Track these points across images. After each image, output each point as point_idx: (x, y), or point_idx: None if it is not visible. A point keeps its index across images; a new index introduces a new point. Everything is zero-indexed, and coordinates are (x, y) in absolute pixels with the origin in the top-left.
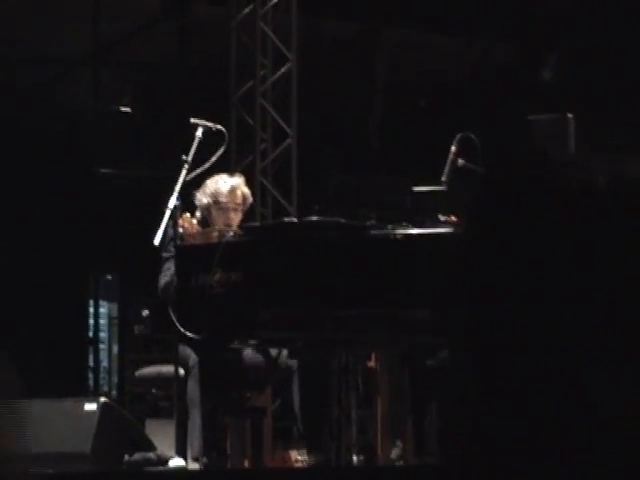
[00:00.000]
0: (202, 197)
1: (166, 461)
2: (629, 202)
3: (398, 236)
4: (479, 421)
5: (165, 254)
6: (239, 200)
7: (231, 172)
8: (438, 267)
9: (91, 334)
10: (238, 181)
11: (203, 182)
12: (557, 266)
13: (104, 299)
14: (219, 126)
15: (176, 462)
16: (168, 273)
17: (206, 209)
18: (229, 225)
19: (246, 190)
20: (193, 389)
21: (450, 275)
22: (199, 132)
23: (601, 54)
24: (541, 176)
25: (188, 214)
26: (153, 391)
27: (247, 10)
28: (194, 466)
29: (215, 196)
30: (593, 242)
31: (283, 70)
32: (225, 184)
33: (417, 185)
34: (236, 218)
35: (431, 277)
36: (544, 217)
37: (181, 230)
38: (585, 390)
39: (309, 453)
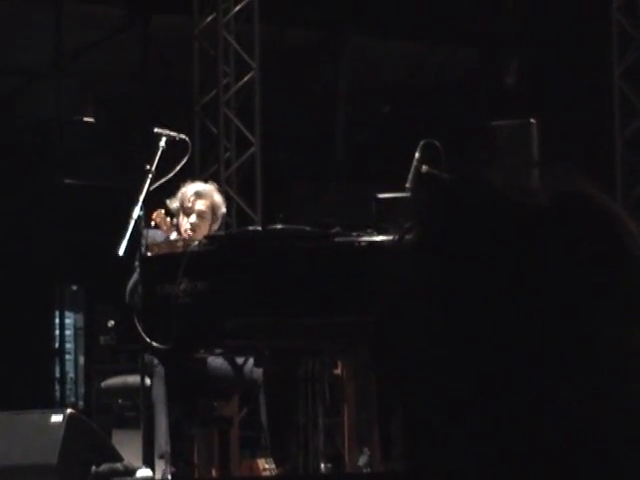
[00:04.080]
0: (173, 202)
1: (133, 471)
2: (573, 216)
3: (363, 243)
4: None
5: (137, 263)
6: (203, 207)
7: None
8: (383, 276)
9: (57, 345)
10: (207, 188)
11: (168, 191)
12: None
13: (69, 310)
14: (182, 135)
15: (143, 472)
16: (134, 276)
17: (176, 213)
18: (193, 231)
19: (217, 199)
20: (157, 387)
21: (395, 285)
22: (162, 142)
23: (563, 58)
24: (486, 201)
25: (163, 211)
26: (119, 401)
27: (209, 19)
28: (161, 463)
29: (181, 200)
30: (541, 261)
31: (246, 79)
32: (191, 189)
33: (381, 192)
34: (202, 225)
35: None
36: (490, 240)
37: (153, 224)
38: (537, 400)
39: (276, 462)
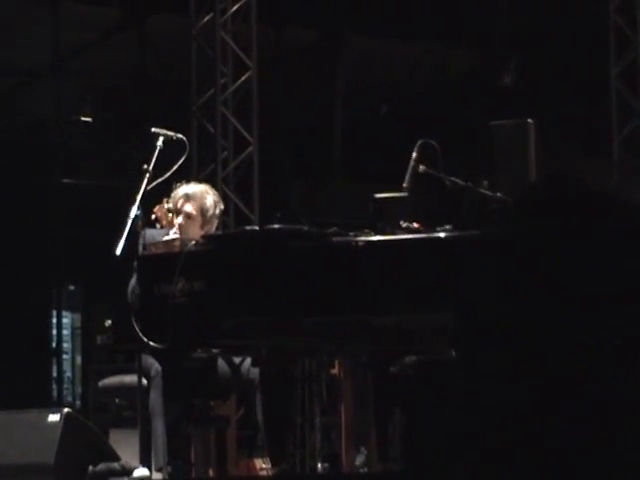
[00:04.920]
0: (169, 202)
1: (130, 471)
2: None
3: (360, 243)
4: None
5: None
6: (191, 209)
7: (196, 180)
8: (471, 269)
9: (54, 345)
10: (197, 190)
11: (166, 190)
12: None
13: (67, 309)
14: (180, 135)
15: (140, 472)
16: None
17: (172, 213)
18: (180, 232)
19: (207, 202)
20: (155, 399)
21: (483, 276)
22: (160, 141)
23: (561, 58)
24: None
25: (165, 205)
26: (116, 401)
27: (206, 19)
28: (157, 476)
29: (172, 201)
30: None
31: (243, 78)
32: (181, 191)
33: (378, 192)
34: (190, 227)
35: (394, 283)
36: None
37: (153, 217)
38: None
39: (273, 461)
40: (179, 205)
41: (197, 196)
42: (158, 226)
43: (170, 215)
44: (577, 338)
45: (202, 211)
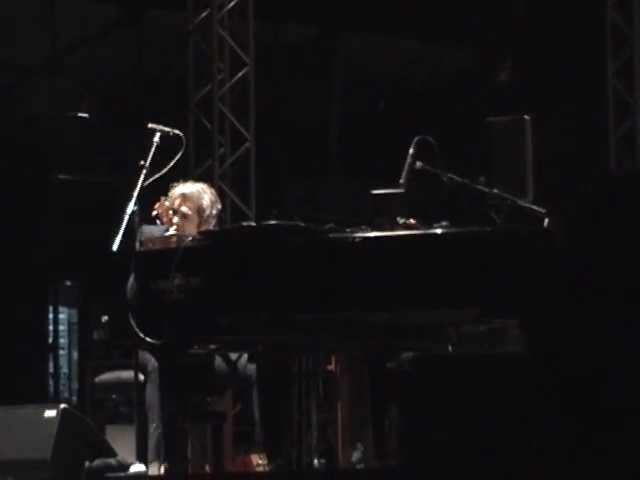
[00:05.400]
0: (166, 201)
1: (127, 467)
2: None
3: (357, 239)
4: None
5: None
6: (187, 209)
7: (191, 177)
8: (532, 264)
9: (51, 340)
10: (194, 190)
11: (161, 187)
12: None
13: (64, 305)
14: (177, 131)
15: (137, 468)
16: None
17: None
18: (176, 231)
19: (204, 202)
20: (152, 395)
21: (548, 272)
22: (156, 137)
23: (558, 55)
24: None
25: (166, 202)
26: (113, 397)
27: (204, 15)
28: (154, 471)
29: (170, 199)
30: None
31: (240, 74)
32: (178, 190)
33: (375, 188)
34: (186, 226)
35: (391, 279)
36: None
37: (155, 213)
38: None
39: (270, 457)
40: (176, 205)
41: (194, 196)
42: (159, 222)
43: (170, 212)
44: None
45: (199, 211)
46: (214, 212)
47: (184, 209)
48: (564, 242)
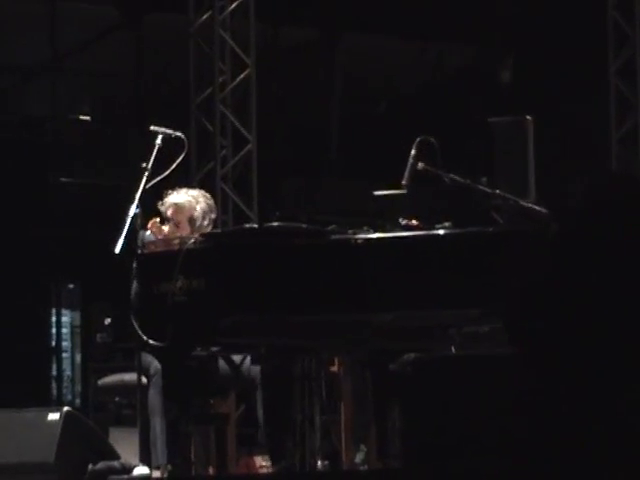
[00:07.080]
0: (161, 207)
1: (130, 470)
2: None
3: (359, 240)
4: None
5: None
6: (179, 219)
7: (193, 179)
8: (521, 263)
9: (54, 343)
10: (186, 201)
11: (163, 189)
12: None
13: (66, 308)
14: (179, 133)
15: (140, 470)
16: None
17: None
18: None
19: (196, 212)
20: (154, 397)
21: (538, 271)
22: (159, 139)
23: (559, 55)
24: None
25: (158, 219)
26: (116, 400)
27: (205, 17)
28: (157, 474)
29: (163, 207)
30: None
31: (242, 76)
32: (171, 199)
33: (377, 189)
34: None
35: (393, 280)
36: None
37: (148, 233)
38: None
39: (273, 459)
40: (168, 214)
41: (185, 207)
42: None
43: (164, 228)
44: None
45: (190, 221)
46: (205, 223)
47: (175, 219)
48: (555, 242)
